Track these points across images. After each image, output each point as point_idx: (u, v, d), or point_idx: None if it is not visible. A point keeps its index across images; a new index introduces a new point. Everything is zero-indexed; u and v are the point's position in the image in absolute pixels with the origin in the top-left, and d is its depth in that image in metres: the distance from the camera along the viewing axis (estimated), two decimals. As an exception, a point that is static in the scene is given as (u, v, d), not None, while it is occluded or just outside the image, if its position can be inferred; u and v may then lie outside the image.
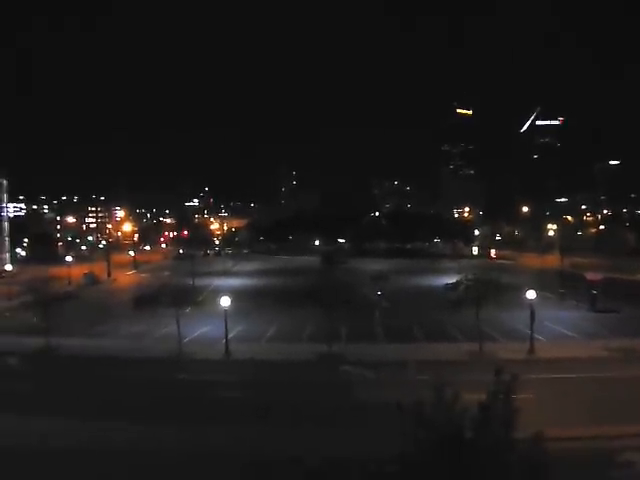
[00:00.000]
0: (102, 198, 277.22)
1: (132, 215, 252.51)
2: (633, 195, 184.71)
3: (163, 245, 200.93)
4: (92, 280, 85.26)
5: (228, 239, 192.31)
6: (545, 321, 45.98)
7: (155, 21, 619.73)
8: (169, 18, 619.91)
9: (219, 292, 55.89)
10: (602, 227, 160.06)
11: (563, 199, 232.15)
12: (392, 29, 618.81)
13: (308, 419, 26.25)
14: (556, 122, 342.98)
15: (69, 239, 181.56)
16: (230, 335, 41.13)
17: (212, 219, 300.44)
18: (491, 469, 11.02)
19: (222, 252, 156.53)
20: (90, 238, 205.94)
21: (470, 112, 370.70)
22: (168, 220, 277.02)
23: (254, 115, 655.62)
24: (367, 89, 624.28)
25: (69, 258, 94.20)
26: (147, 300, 46.60)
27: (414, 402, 11.75)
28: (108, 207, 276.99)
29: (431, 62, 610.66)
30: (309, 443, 23.00)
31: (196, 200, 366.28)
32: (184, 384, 33.39)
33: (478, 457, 11.05)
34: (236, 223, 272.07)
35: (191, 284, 68.83)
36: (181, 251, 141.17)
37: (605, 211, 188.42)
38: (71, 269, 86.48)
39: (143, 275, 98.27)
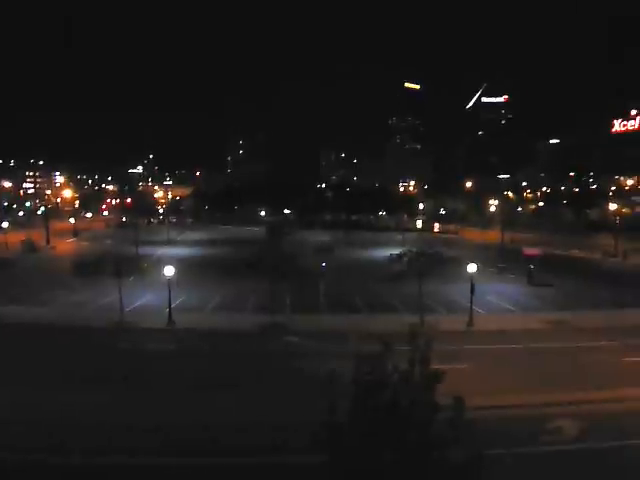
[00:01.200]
0: (41, 162, 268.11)
1: (73, 181, 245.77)
2: (571, 173, 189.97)
3: (105, 213, 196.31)
4: (30, 247, 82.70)
5: (173, 208, 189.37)
6: (485, 294, 47.25)
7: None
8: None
9: (163, 261, 55.17)
10: (541, 204, 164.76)
11: (505, 175, 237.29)
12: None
13: (242, 388, 26.43)
14: (501, 99, 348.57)
15: (5, 204, 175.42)
16: (173, 304, 40.74)
17: (156, 187, 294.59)
18: (412, 432, 11.43)
19: (166, 221, 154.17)
20: (28, 204, 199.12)
21: (418, 87, 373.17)
22: (111, 187, 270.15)
23: (200, 82, 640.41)
24: (319, 61, 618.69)
25: (5, 224, 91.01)
26: (88, 268, 45.48)
27: (330, 371, 12.08)
28: (47, 172, 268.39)
29: (383, 36, 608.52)
30: (238, 410, 23.31)
31: (140, 167, 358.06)
32: (124, 353, 32.97)
33: (398, 420, 11.43)
34: (181, 192, 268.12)
35: (134, 253, 67.73)
36: (124, 219, 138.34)
37: (544, 188, 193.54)
38: (7, 236, 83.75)
39: (84, 243, 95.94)
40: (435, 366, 12.28)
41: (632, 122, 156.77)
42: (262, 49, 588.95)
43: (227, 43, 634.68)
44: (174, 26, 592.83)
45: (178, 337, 36.57)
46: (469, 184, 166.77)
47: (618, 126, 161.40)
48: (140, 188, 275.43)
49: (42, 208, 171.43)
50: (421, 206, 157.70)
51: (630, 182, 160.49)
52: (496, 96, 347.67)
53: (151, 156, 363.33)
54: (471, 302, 40.13)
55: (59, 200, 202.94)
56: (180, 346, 34.68)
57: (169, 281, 40.36)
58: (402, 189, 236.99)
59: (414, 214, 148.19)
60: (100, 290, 46.39)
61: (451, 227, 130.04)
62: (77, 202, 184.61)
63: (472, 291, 40.03)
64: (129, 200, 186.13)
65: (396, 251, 43.68)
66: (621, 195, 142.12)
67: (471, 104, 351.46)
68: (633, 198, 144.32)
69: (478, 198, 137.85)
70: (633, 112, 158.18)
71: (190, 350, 33.74)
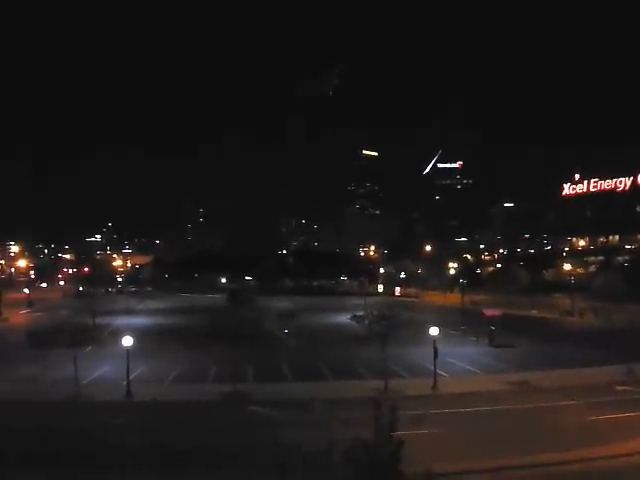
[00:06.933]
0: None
1: (28, 250, 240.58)
2: (526, 235, 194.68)
3: (61, 282, 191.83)
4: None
5: (132, 276, 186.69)
6: (447, 356, 47.22)
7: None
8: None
9: (121, 331, 53.84)
10: (499, 266, 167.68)
11: (463, 238, 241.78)
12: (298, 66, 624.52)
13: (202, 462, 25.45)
14: (456, 165, 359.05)
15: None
16: (132, 376, 39.50)
17: (115, 255, 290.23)
18: None
19: (125, 290, 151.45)
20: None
21: (376, 154, 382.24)
22: (67, 256, 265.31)
23: (159, 148, 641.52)
24: (271, 132, 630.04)
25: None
26: (42, 340, 44.09)
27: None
28: (1, 242, 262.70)
29: (337, 105, 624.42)
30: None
31: (98, 236, 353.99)
32: (78, 428, 31.53)
33: None
34: (140, 260, 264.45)
35: (91, 323, 66.13)
36: (81, 289, 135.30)
37: (501, 250, 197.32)
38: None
39: (38, 314, 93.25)
40: (402, 432, 12.03)
41: (580, 186, 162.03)
42: (215, 117, 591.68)
43: (180, 106, 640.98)
44: (129, 98, 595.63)
45: (136, 410, 35.31)
46: (428, 248, 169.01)
47: (568, 190, 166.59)
48: (98, 257, 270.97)
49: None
50: (382, 270, 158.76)
51: (582, 243, 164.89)
52: (451, 162, 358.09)
53: (110, 224, 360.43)
54: (435, 365, 40.03)
55: (13, 270, 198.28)
56: (138, 420, 33.41)
57: (127, 352, 39.29)
58: (363, 254, 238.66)
59: (375, 278, 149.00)
60: (55, 363, 44.80)
61: (412, 291, 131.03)
62: (32, 272, 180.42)
63: (435, 354, 40.02)
64: (86, 269, 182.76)
65: (359, 313, 43.71)
66: (574, 255, 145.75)
67: (428, 170, 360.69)
68: (585, 258, 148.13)
69: (437, 261, 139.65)
70: (577, 177, 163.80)
71: (149, 424, 32.50)
